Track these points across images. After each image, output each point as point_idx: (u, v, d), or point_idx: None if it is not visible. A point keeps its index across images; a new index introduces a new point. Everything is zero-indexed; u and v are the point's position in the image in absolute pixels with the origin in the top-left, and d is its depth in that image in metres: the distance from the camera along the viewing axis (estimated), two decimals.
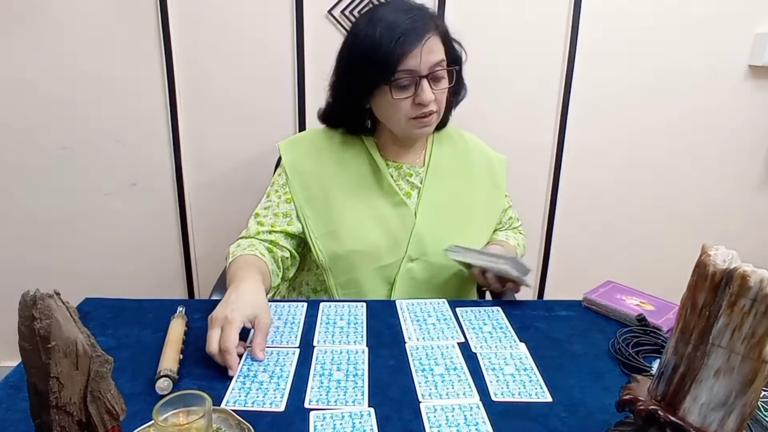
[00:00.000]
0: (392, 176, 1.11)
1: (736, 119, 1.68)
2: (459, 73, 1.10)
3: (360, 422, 0.66)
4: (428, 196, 1.11)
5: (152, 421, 0.57)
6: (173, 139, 1.58)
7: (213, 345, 0.77)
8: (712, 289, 0.52)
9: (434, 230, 1.09)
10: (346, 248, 1.06)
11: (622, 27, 1.55)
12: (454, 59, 1.06)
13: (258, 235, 1.06)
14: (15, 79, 1.50)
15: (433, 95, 1.00)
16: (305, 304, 0.95)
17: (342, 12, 1.46)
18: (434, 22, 1.01)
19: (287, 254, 1.07)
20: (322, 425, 0.66)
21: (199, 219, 1.68)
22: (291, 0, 1.46)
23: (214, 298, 1.10)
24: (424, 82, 0.99)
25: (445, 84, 1.03)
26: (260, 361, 0.79)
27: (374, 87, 1.01)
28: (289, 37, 1.50)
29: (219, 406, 0.69)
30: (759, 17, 1.57)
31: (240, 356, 0.79)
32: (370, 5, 1.42)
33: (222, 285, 1.16)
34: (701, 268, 0.52)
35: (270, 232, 1.06)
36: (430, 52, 0.98)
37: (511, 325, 0.91)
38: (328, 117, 1.15)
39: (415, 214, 1.09)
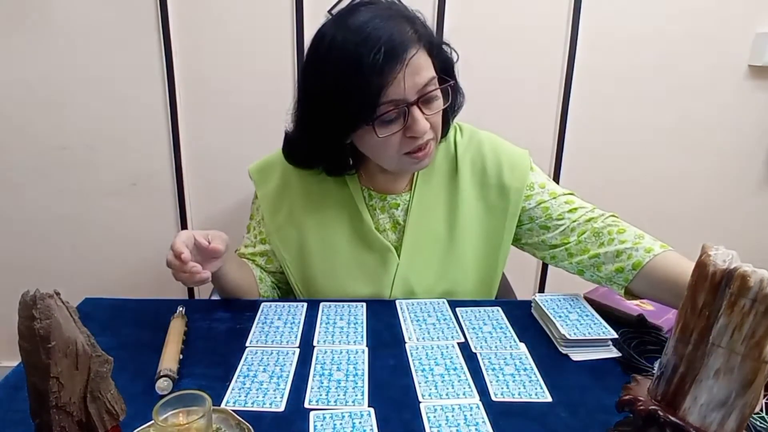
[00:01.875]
0: (377, 209, 1.00)
1: (736, 119, 1.68)
2: (450, 76, 0.90)
3: (360, 422, 0.66)
4: (412, 233, 0.98)
5: (152, 421, 0.57)
6: (173, 139, 1.58)
7: (168, 256, 0.82)
8: (712, 289, 0.52)
9: (420, 269, 0.99)
10: (324, 296, 1.00)
11: (622, 27, 1.55)
12: (445, 70, 0.89)
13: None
14: (15, 80, 1.50)
15: (427, 124, 0.84)
16: (305, 304, 0.95)
17: None
18: (414, 31, 0.82)
19: (276, 288, 1.08)
20: (322, 425, 0.66)
21: (199, 219, 1.68)
22: (291, 0, 1.46)
23: (214, 298, 1.10)
24: (415, 111, 0.82)
25: (439, 105, 0.86)
26: (261, 361, 0.79)
27: (354, 127, 0.85)
28: (289, 37, 1.50)
29: (219, 406, 0.69)
30: (759, 17, 1.57)
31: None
32: None
33: None
34: (701, 268, 0.52)
35: (261, 270, 1.06)
36: (415, 73, 0.80)
37: (511, 325, 0.91)
38: (297, 157, 0.98)
39: (399, 254, 0.99)
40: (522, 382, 0.76)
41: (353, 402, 0.70)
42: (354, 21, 0.81)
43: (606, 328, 0.85)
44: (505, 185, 1.00)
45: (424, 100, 0.83)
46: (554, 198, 1.00)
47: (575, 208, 0.99)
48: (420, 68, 0.82)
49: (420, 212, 0.99)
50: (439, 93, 0.86)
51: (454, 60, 0.93)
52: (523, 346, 0.85)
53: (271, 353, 0.81)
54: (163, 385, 0.71)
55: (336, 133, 0.88)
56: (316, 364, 0.79)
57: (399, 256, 0.99)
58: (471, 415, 0.68)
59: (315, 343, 0.84)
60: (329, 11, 1.47)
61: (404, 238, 0.99)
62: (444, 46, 0.91)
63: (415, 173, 1.01)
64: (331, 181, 1.00)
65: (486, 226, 1.01)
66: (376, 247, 0.99)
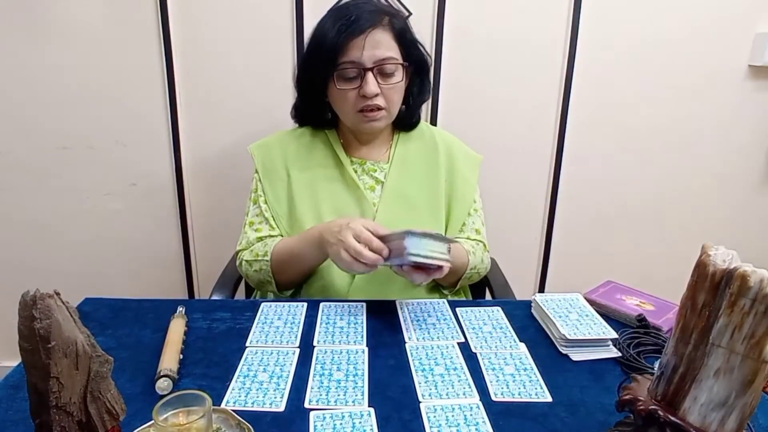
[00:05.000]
0: (356, 171, 1.11)
1: (736, 119, 1.67)
2: (421, 74, 1.11)
3: (360, 422, 0.66)
4: (391, 189, 1.11)
5: (152, 421, 0.57)
6: (173, 139, 1.57)
7: (367, 254, 0.86)
8: (712, 289, 0.52)
9: (396, 223, 1.00)
10: None
11: (622, 27, 1.55)
12: (413, 60, 1.07)
13: (261, 239, 1.08)
14: (15, 79, 1.50)
15: (377, 89, 1.01)
16: (305, 304, 0.96)
17: None
18: (387, 18, 1.02)
19: None
20: (322, 425, 0.66)
21: (199, 219, 1.68)
22: (291, 1, 1.46)
23: (214, 298, 1.10)
24: (369, 75, 1.00)
25: (395, 80, 1.03)
26: (261, 361, 0.79)
27: (323, 77, 1.03)
28: (289, 38, 1.50)
29: (219, 406, 0.69)
30: (759, 17, 1.57)
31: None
32: None
33: (222, 285, 1.17)
34: (701, 268, 0.52)
35: (270, 236, 1.08)
36: (375, 46, 1.00)
37: (511, 325, 0.91)
38: (295, 112, 1.18)
39: (377, 208, 1.09)
40: (522, 382, 0.76)
41: (353, 402, 0.70)
42: (340, 6, 1.04)
43: (606, 328, 0.86)
44: (467, 182, 1.17)
45: (380, 70, 1.02)
46: (476, 213, 1.18)
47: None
48: (380, 44, 1.01)
49: (399, 175, 1.12)
50: (396, 71, 1.04)
51: (429, 62, 1.13)
52: (523, 346, 0.85)
53: (271, 353, 0.81)
54: (163, 385, 0.71)
55: (315, 83, 1.07)
56: (316, 364, 0.79)
57: (377, 209, 1.09)
58: (471, 415, 0.68)
59: (315, 343, 0.84)
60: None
61: (383, 194, 1.10)
62: (419, 46, 1.09)
63: (392, 147, 1.15)
64: (320, 145, 1.14)
65: (453, 202, 1.15)
66: (356, 196, 1.09)
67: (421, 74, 1.12)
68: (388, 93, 1.04)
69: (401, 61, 1.04)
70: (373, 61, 1.00)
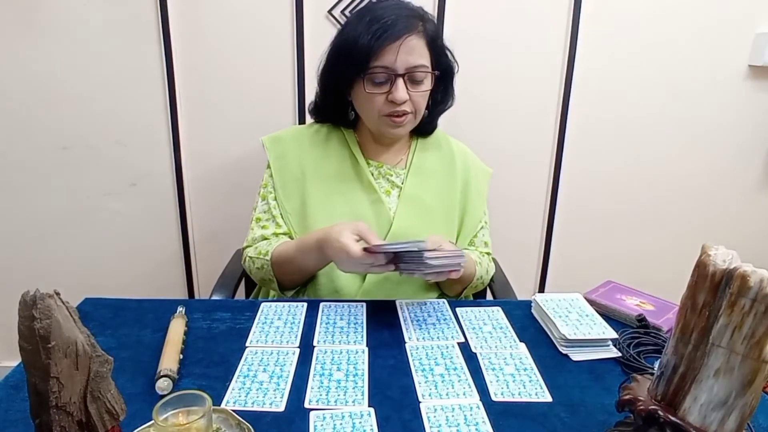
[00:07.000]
0: (372, 174, 1.11)
1: (736, 119, 1.67)
2: (446, 81, 1.10)
3: (360, 422, 0.66)
4: (408, 195, 1.10)
5: (152, 421, 0.57)
6: (173, 139, 1.57)
7: (355, 247, 0.87)
8: (712, 289, 0.52)
9: (412, 230, 1.07)
10: None
11: (622, 27, 1.55)
12: (442, 68, 1.06)
13: (266, 238, 1.08)
14: (15, 79, 1.50)
15: (407, 95, 1.00)
16: (305, 304, 0.96)
17: (342, 12, 1.46)
18: (422, 25, 1.01)
19: None
20: (322, 425, 0.66)
21: (198, 219, 1.68)
22: (291, 0, 1.47)
23: (214, 298, 1.10)
24: (399, 81, 0.99)
25: (424, 87, 1.03)
26: (261, 361, 0.79)
27: (351, 78, 1.02)
28: (289, 37, 1.50)
29: (219, 406, 0.69)
30: (759, 17, 1.57)
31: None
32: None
33: (222, 285, 1.17)
34: (701, 268, 0.52)
35: (275, 234, 1.08)
36: (409, 53, 0.98)
37: (511, 325, 0.91)
38: (315, 109, 1.16)
39: (394, 213, 1.08)
40: (522, 382, 0.76)
41: (353, 402, 0.70)
42: (373, 8, 1.03)
43: (606, 328, 0.86)
44: (480, 193, 1.18)
45: (411, 77, 1.01)
46: (485, 227, 1.19)
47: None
48: (414, 50, 1.00)
49: (416, 181, 1.12)
50: (425, 78, 1.03)
51: (455, 69, 1.11)
52: (523, 346, 0.85)
53: (271, 353, 0.81)
54: (163, 385, 0.71)
55: (341, 83, 1.05)
56: (316, 364, 0.79)
57: (394, 215, 1.08)
58: (471, 415, 0.68)
59: (315, 343, 0.84)
60: (329, 11, 1.47)
61: (400, 199, 1.10)
62: (448, 53, 1.08)
63: (410, 154, 1.15)
64: (337, 144, 1.13)
65: (465, 213, 1.15)
66: (372, 200, 1.08)
67: (445, 81, 1.11)
68: (416, 99, 1.03)
69: (431, 69, 1.03)
70: (405, 67, 0.99)
